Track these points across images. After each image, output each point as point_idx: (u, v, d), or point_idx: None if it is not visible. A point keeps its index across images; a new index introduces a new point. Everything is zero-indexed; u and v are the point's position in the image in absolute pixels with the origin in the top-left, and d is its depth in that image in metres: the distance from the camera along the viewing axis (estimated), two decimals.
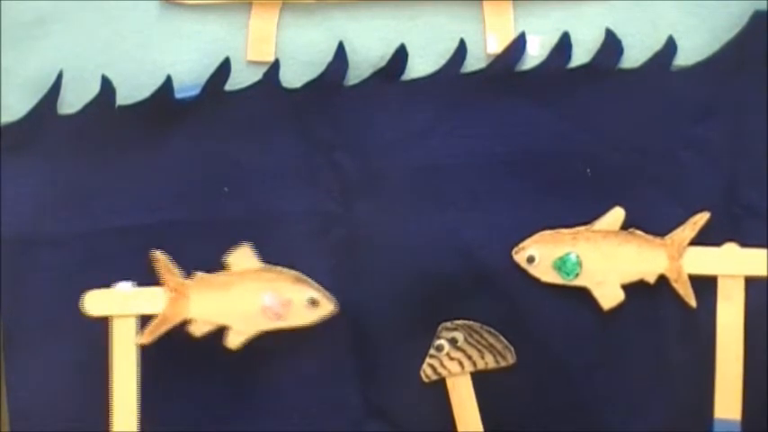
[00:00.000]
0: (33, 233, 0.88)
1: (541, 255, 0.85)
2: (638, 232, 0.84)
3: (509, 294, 0.87)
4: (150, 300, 0.83)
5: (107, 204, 0.88)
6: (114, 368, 0.83)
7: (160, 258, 0.83)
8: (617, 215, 0.85)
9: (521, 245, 0.86)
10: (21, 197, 0.88)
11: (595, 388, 0.88)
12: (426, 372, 0.85)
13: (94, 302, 0.83)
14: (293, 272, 0.84)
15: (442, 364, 0.84)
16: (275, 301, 0.83)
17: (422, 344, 0.85)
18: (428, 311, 0.86)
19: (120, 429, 0.82)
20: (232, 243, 0.84)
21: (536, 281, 0.86)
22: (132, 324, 0.83)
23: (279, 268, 0.84)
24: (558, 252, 0.85)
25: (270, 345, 0.87)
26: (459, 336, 0.84)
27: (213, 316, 0.84)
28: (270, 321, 0.84)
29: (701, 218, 0.84)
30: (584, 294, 0.85)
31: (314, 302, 0.84)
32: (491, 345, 0.84)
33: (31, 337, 0.88)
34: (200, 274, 0.84)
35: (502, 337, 0.84)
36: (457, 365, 0.84)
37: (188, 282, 0.84)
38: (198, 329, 0.84)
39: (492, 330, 0.84)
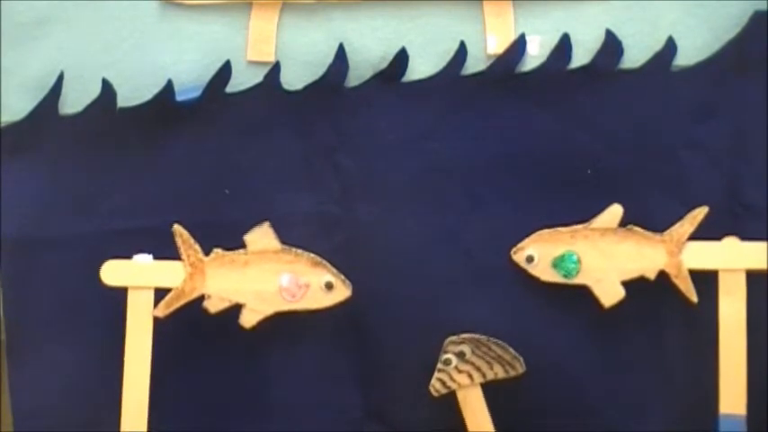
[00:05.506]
0: (34, 234, 0.89)
1: (540, 254, 0.85)
2: (637, 229, 0.85)
3: (509, 295, 0.87)
4: (168, 273, 0.84)
5: (108, 206, 0.88)
6: (128, 339, 0.83)
7: (181, 233, 0.83)
8: (615, 212, 0.85)
9: (519, 245, 0.86)
10: (22, 198, 0.88)
11: (596, 387, 0.88)
12: (435, 386, 0.84)
13: (112, 273, 0.83)
14: (312, 255, 0.84)
15: (451, 378, 0.84)
16: (293, 282, 0.83)
17: (422, 345, 0.85)
18: (428, 312, 0.87)
19: (132, 399, 0.82)
20: (233, 245, 0.84)
21: (536, 281, 0.86)
22: (149, 296, 0.83)
23: (297, 250, 0.84)
24: (557, 251, 0.85)
25: (269, 344, 0.87)
26: (466, 349, 0.84)
27: (229, 293, 0.84)
28: (286, 302, 0.84)
29: (700, 212, 0.84)
30: (584, 293, 0.85)
31: (330, 287, 0.84)
32: (499, 356, 0.84)
33: (33, 337, 0.89)
34: (218, 251, 0.84)
35: (510, 348, 0.84)
36: (466, 378, 0.84)
37: (206, 258, 0.84)
38: (213, 306, 0.84)
39: (499, 342, 0.84)
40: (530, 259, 0.86)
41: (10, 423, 0.89)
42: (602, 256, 0.85)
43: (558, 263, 0.85)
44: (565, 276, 0.85)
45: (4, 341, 0.90)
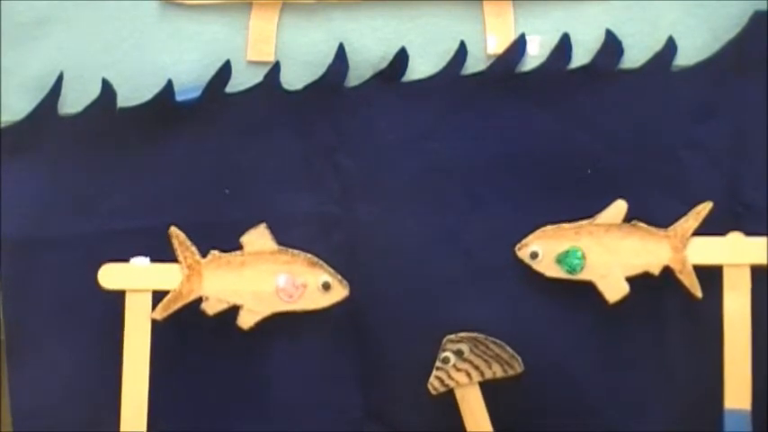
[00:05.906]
0: (34, 234, 0.88)
1: (545, 250, 0.85)
2: (642, 224, 0.85)
3: (509, 294, 0.87)
4: (165, 276, 0.84)
5: (108, 206, 0.88)
6: (127, 343, 0.83)
7: (177, 235, 0.83)
8: (619, 208, 0.85)
9: (524, 241, 0.86)
10: (22, 198, 0.88)
11: (600, 385, 0.88)
12: (434, 384, 0.84)
13: (110, 276, 0.84)
14: (308, 255, 0.84)
15: (449, 376, 0.84)
16: (290, 283, 0.84)
17: (422, 345, 0.85)
18: (428, 312, 0.87)
19: (131, 403, 0.82)
20: (233, 245, 0.84)
21: (536, 281, 0.86)
22: (146, 299, 0.83)
23: (294, 251, 0.84)
24: (562, 247, 0.85)
25: (268, 345, 0.87)
26: (464, 347, 0.84)
27: (226, 295, 0.84)
28: (283, 303, 0.84)
29: (704, 207, 0.85)
30: (585, 292, 0.85)
31: (327, 287, 0.84)
32: (497, 355, 0.84)
33: (33, 337, 0.89)
34: (214, 253, 0.84)
35: (507, 347, 0.84)
36: (464, 376, 0.84)
37: (203, 260, 0.84)
38: (211, 307, 0.84)
39: (497, 341, 0.84)
40: (534, 255, 0.86)
41: (10, 423, 0.89)
42: (607, 252, 0.85)
43: (562, 258, 0.85)
44: (569, 272, 0.85)
45: (4, 341, 0.90)
